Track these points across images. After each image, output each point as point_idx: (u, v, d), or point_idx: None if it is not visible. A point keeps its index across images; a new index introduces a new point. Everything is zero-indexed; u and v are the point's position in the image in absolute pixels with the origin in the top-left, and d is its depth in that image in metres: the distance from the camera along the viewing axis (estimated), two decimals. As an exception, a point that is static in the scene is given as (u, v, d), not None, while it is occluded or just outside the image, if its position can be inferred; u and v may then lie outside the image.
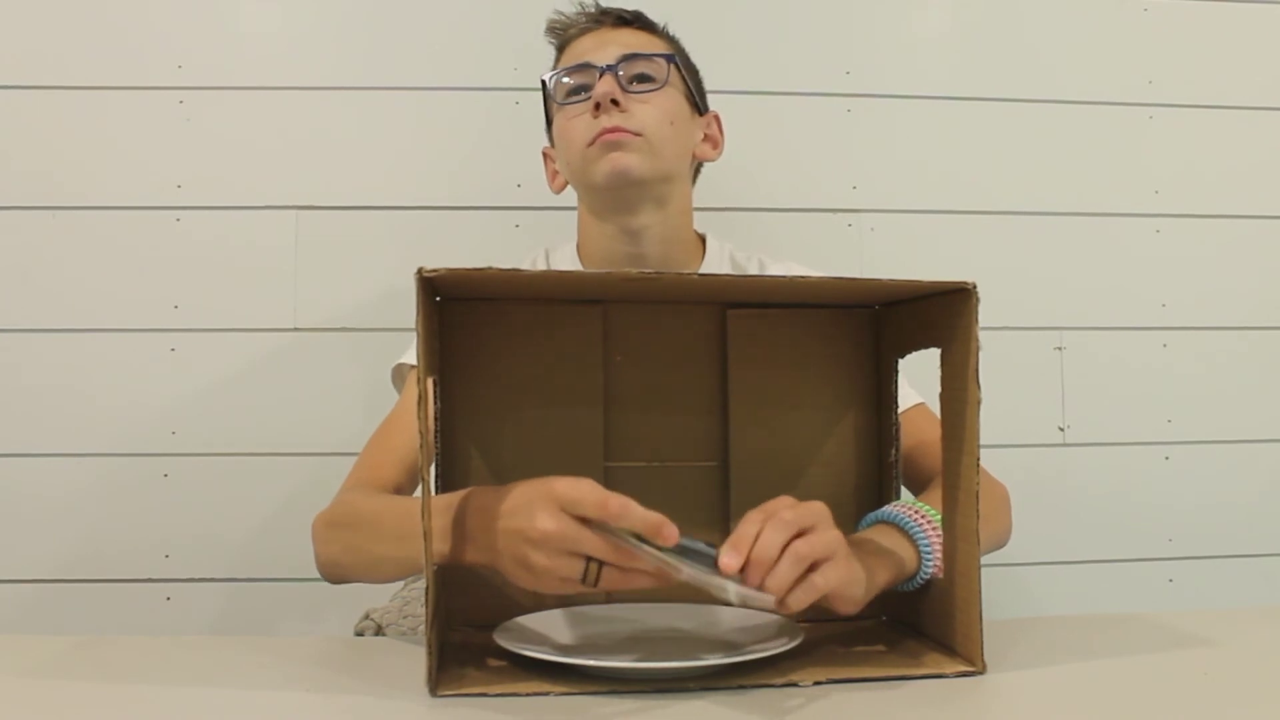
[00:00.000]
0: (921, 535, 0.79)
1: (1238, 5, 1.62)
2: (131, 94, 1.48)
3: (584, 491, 0.67)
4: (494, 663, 0.73)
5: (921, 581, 0.80)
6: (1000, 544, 0.98)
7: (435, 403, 0.84)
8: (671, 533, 0.66)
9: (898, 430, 0.89)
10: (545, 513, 0.67)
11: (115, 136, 1.48)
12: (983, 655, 0.71)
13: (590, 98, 1.08)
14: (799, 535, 0.69)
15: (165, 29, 1.49)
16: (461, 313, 0.85)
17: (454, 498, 0.77)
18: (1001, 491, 1.01)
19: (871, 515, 0.84)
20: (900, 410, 0.91)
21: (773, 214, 1.54)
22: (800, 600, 0.69)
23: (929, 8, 1.60)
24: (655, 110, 1.09)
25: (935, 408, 0.79)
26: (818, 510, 0.72)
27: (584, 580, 0.67)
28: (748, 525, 0.70)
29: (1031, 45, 1.59)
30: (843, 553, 0.71)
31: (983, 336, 0.72)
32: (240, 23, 1.50)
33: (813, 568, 0.69)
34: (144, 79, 1.48)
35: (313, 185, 1.49)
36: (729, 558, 0.67)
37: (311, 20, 1.51)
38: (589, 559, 0.67)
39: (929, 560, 0.79)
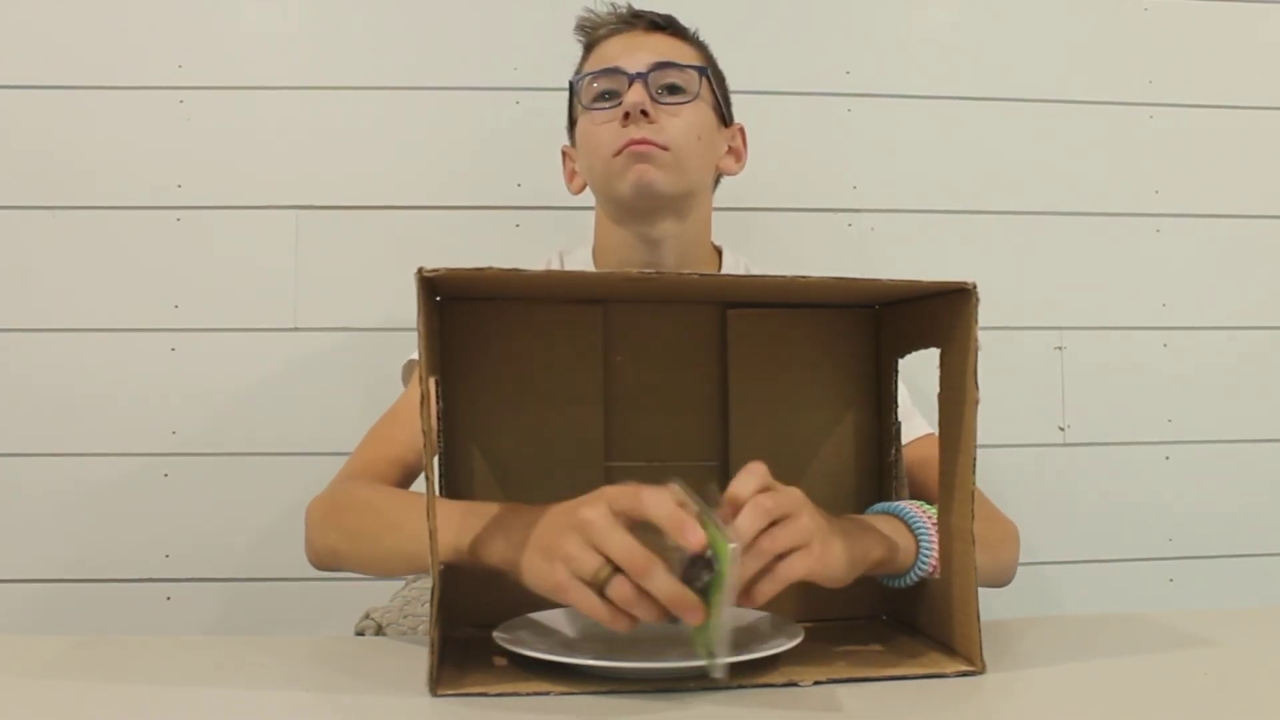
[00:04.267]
0: (922, 528, 0.79)
1: (1238, 5, 1.62)
2: (131, 94, 1.48)
3: (631, 492, 0.66)
4: (495, 662, 0.73)
5: (918, 576, 0.80)
6: (1002, 580, 0.96)
7: (437, 402, 0.84)
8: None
9: (898, 430, 0.89)
10: (590, 505, 0.67)
11: (115, 136, 1.48)
12: (982, 655, 0.71)
13: (619, 104, 1.07)
14: (774, 523, 0.68)
15: (165, 29, 1.49)
16: (461, 313, 0.84)
17: (493, 506, 0.76)
18: (1010, 528, 0.99)
19: (877, 506, 0.84)
20: (907, 441, 0.90)
21: (773, 214, 1.54)
22: (765, 591, 0.68)
23: (929, 8, 1.60)
24: (684, 124, 1.08)
25: (935, 408, 0.79)
26: (796, 497, 0.71)
27: (594, 579, 0.65)
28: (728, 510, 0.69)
29: (1031, 45, 1.59)
30: (818, 538, 0.70)
31: (983, 336, 0.72)
32: (240, 23, 1.50)
33: (781, 557, 0.68)
34: (144, 79, 1.48)
35: (313, 185, 1.49)
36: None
37: (311, 20, 1.51)
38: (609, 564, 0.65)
39: (926, 554, 0.79)
